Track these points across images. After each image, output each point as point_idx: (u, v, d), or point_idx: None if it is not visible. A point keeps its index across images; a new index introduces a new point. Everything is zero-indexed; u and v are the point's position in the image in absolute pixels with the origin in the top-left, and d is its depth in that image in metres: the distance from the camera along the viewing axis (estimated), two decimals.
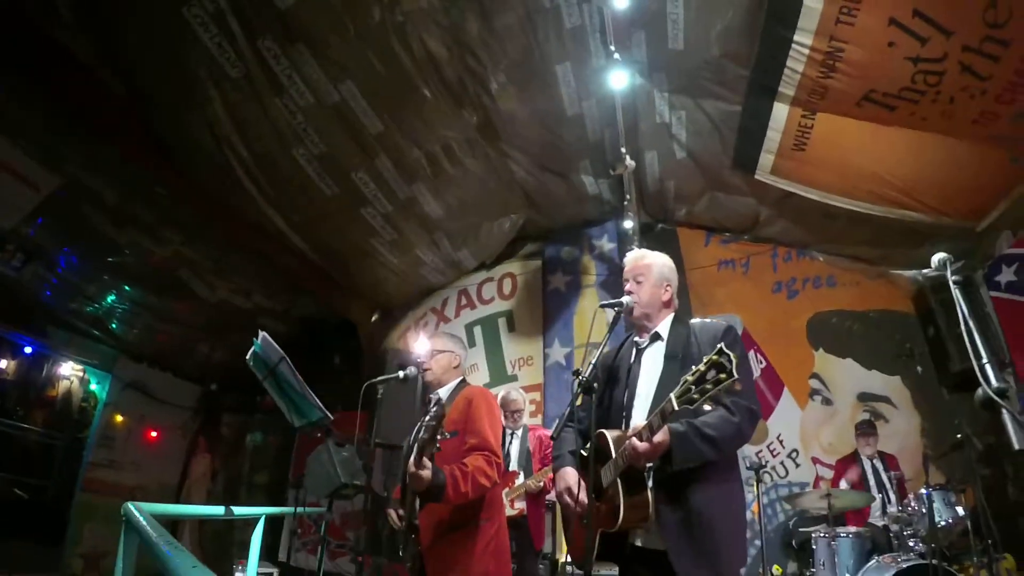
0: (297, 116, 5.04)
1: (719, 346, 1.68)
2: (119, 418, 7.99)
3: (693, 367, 1.74)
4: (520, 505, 4.41)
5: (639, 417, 2.10)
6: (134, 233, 6.14)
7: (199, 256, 6.68)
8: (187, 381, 8.82)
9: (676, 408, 1.74)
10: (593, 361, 2.08)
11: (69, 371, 8.45)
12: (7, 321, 6.98)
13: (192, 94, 4.74)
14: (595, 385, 2.02)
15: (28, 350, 7.53)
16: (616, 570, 2.18)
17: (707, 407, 1.77)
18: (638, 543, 2.04)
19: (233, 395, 8.92)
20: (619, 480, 1.95)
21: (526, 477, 4.50)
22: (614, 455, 1.98)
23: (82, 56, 4.54)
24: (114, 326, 7.57)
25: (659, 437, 1.85)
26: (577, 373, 2.04)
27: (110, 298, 7.22)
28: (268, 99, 4.87)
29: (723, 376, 1.65)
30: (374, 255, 6.78)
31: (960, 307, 1.89)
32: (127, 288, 7.07)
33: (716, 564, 1.91)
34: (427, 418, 2.38)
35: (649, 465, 1.97)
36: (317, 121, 5.14)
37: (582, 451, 2.26)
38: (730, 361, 1.63)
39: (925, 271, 5.94)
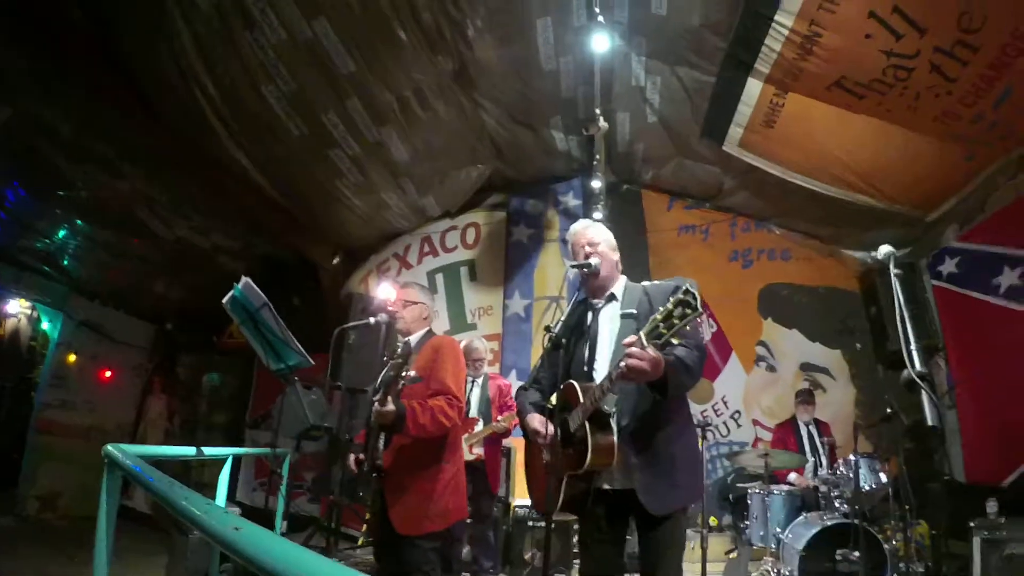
0: (268, 52, 4.87)
1: (684, 286, 1.80)
2: (72, 357, 7.81)
3: (660, 308, 1.86)
4: (479, 451, 4.59)
5: (601, 370, 2.25)
6: (90, 167, 5.89)
7: (157, 192, 6.47)
8: (142, 320, 8.64)
9: (645, 345, 1.86)
10: (563, 318, 2.18)
11: (17, 309, 8.18)
12: None
13: (159, 25, 4.52)
14: (563, 341, 2.13)
15: None
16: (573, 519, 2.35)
17: (672, 342, 1.88)
18: (603, 486, 2.19)
19: (189, 335, 8.80)
20: (587, 424, 2.08)
21: (485, 424, 4.67)
22: (583, 401, 2.11)
23: None
24: (66, 262, 7.33)
25: (653, 354, 1.91)
26: (548, 328, 2.14)
27: (61, 233, 6.96)
28: (239, 33, 4.68)
29: (689, 311, 1.78)
30: (339, 197, 6.68)
31: (897, 295, 2.05)
32: (80, 223, 6.82)
33: (681, 494, 2.11)
34: (395, 357, 2.51)
35: (613, 409, 2.12)
36: (288, 58, 4.98)
37: (547, 405, 2.39)
38: (695, 298, 1.76)
39: (873, 254, 6.22)
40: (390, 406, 2.56)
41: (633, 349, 1.90)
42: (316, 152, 6.01)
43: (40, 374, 7.91)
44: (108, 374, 8.29)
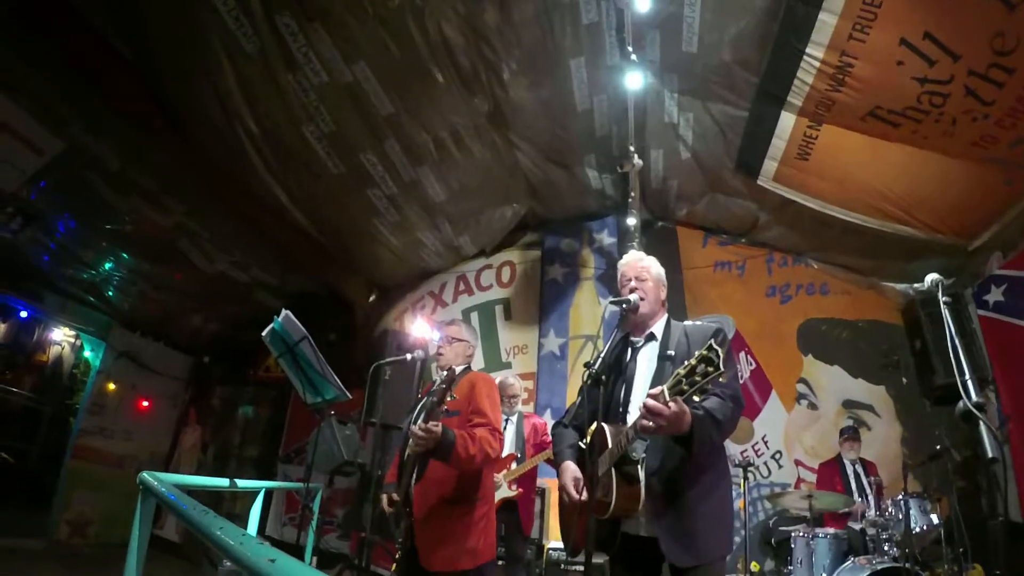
0: (309, 94, 5.05)
1: (709, 342, 1.77)
2: (111, 386, 8.00)
3: (686, 361, 1.82)
4: (517, 488, 4.51)
5: (635, 413, 2.19)
6: (135, 200, 6.13)
7: (199, 226, 6.68)
8: (180, 352, 8.83)
9: (667, 400, 1.83)
10: (602, 354, 2.16)
11: (61, 337, 8.43)
12: (2, 284, 6.95)
13: (204, 65, 4.72)
14: (603, 378, 2.11)
15: (23, 314, 7.51)
16: (605, 559, 2.28)
17: (695, 398, 1.85)
18: (630, 531, 2.14)
19: (225, 367, 8.94)
20: (613, 469, 2.04)
21: (519, 463, 4.60)
22: (610, 445, 2.07)
23: (92, 17, 4.53)
24: (110, 293, 7.56)
25: (675, 409, 1.88)
26: (588, 365, 2.12)
27: (107, 265, 7.21)
28: (281, 75, 4.87)
29: (711, 370, 1.74)
30: (375, 235, 6.80)
31: (948, 326, 1.98)
32: (124, 256, 7.06)
33: (700, 547, 2.02)
34: (438, 383, 2.50)
35: (642, 456, 2.07)
36: (329, 100, 5.15)
37: (581, 443, 2.35)
38: (718, 356, 1.72)
39: (916, 285, 6.06)
40: (437, 427, 2.49)
41: (652, 403, 1.87)
42: (354, 191, 6.15)
43: (80, 401, 8.09)
44: (145, 404, 8.45)
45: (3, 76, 4.76)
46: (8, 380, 10.32)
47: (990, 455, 1.83)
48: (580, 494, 2.17)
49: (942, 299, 2.04)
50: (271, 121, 5.24)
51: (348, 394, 3.42)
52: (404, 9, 4.57)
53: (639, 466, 2.06)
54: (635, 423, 1.97)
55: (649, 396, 1.89)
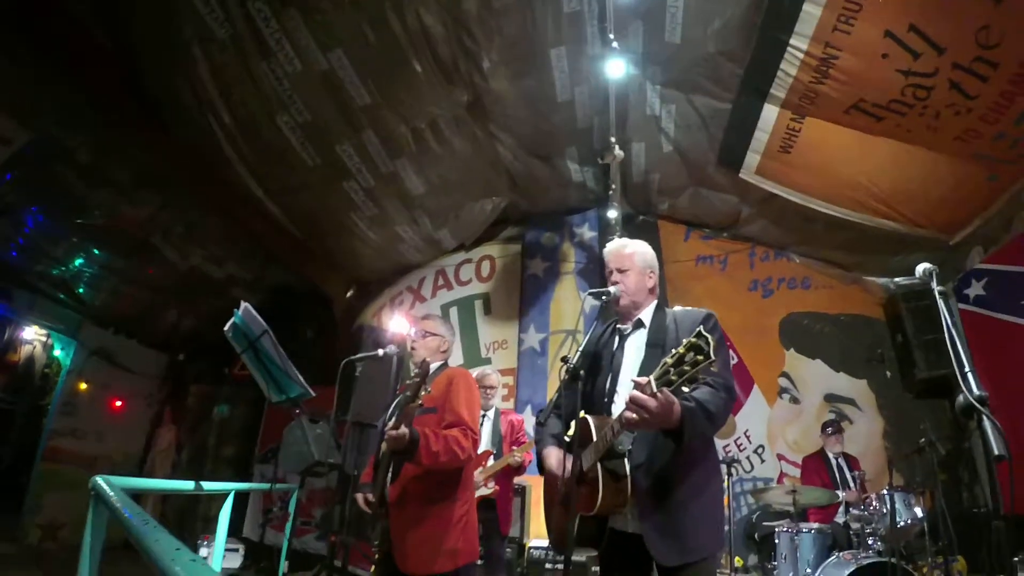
0: (284, 82, 4.92)
1: (698, 329, 1.67)
2: (83, 385, 7.76)
3: (674, 350, 1.73)
4: (491, 486, 4.41)
5: (621, 404, 2.10)
6: (107, 194, 5.93)
7: (173, 221, 6.49)
8: (154, 349, 8.61)
9: (655, 390, 1.73)
10: (581, 348, 2.06)
11: (33, 335, 8.19)
12: None
13: (177, 54, 4.58)
14: (582, 372, 2.01)
15: None
16: (594, 554, 2.19)
17: (684, 388, 1.75)
18: (617, 527, 2.05)
19: (200, 365, 8.74)
20: (599, 464, 1.95)
21: (496, 459, 4.51)
22: (595, 439, 1.98)
23: (66, 3, 4.36)
24: (81, 290, 7.33)
25: (662, 400, 1.77)
26: (565, 360, 2.03)
27: (78, 261, 6.98)
28: (255, 63, 4.74)
29: (700, 358, 1.64)
30: (353, 229, 6.69)
31: (944, 317, 1.92)
32: (96, 251, 6.84)
33: (689, 544, 1.93)
34: (412, 377, 2.41)
35: (628, 448, 1.98)
36: (304, 89, 5.02)
37: (565, 436, 2.26)
38: (707, 343, 1.63)
39: (897, 279, 6.07)
40: (404, 430, 2.41)
41: (637, 395, 1.76)
42: (331, 183, 6.03)
43: (51, 401, 7.86)
44: (118, 403, 8.22)
45: None
46: None
47: (996, 452, 1.75)
48: (562, 476, 2.09)
49: (936, 289, 1.98)
50: (245, 111, 5.11)
51: (312, 391, 3.28)
52: None
53: (625, 460, 1.96)
54: (620, 416, 1.87)
55: (635, 386, 1.78)
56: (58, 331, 7.68)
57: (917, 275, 2.03)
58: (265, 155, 5.56)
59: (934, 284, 2.00)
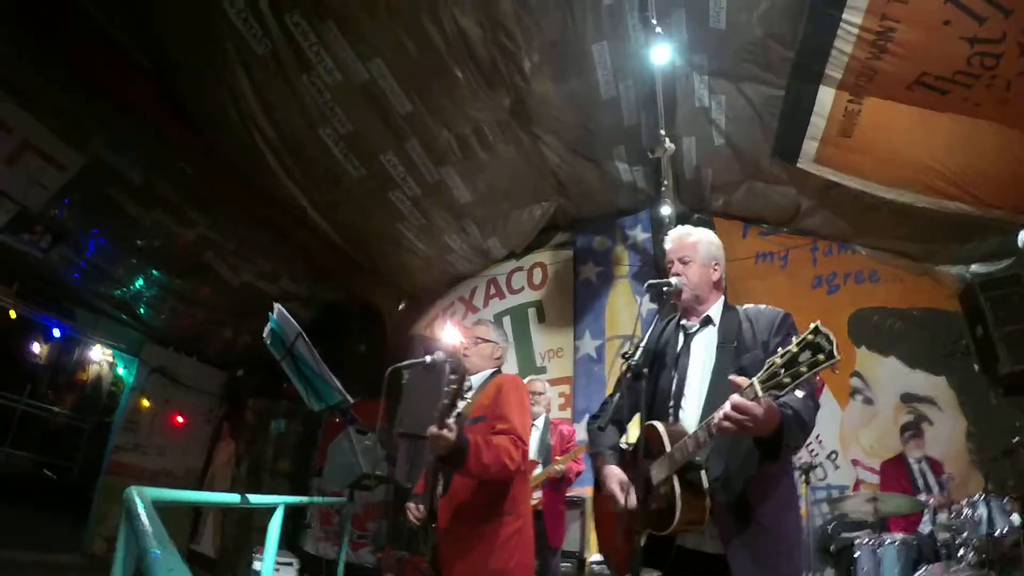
0: (324, 94, 4.93)
1: (814, 325, 1.48)
2: (145, 402, 8.02)
3: (780, 349, 1.54)
4: (537, 495, 4.23)
5: (691, 408, 1.93)
6: (159, 214, 6.09)
7: (223, 238, 6.62)
8: (212, 366, 8.82)
9: (759, 395, 1.54)
10: (643, 343, 1.89)
11: (99, 355, 8.51)
12: (36, 304, 7.01)
13: (218, 71, 4.65)
14: (645, 371, 1.84)
15: (56, 333, 7.58)
16: (658, 574, 2.01)
17: (798, 393, 1.54)
18: (688, 546, 1.87)
19: (258, 380, 8.89)
20: (675, 477, 1.77)
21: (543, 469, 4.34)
22: (668, 449, 1.80)
23: (107, 28, 4.47)
24: (141, 310, 7.58)
25: (765, 407, 1.58)
26: (627, 356, 1.86)
27: (138, 282, 7.22)
28: (295, 77, 4.76)
29: (821, 357, 1.44)
30: (401, 240, 6.68)
31: None
32: (154, 272, 7.06)
33: (779, 571, 1.74)
34: (448, 382, 2.23)
35: (703, 460, 1.80)
36: (345, 100, 5.02)
37: (623, 443, 2.10)
38: (830, 342, 1.43)
39: (974, 267, 5.67)
40: (450, 432, 2.23)
41: (741, 401, 1.56)
42: (376, 194, 6.03)
43: (115, 418, 8.14)
44: (179, 419, 8.45)
45: (22, 92, 4.74)
46: (51, 399, 10.54)
47: None
48: (625, 504, 1.89)
49: None
50: (287, 125, 5.15)
51: (350, 398, 3.18)
52: (417, 1, 4.41)
53: (703, 472, 1.78)
54: (708, 423, 1.68)
55: (734, 385, 1.60)
56: (120, 350, 7.95)
57: (1022, 243, 1.80)
58: (310, 168, 5.59)
59: None
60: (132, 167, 5.47)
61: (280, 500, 3.22)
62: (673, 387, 2.00)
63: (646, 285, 2.10)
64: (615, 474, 2.01)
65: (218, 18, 4.32)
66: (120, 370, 8.24)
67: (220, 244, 6.62)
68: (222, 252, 6.73)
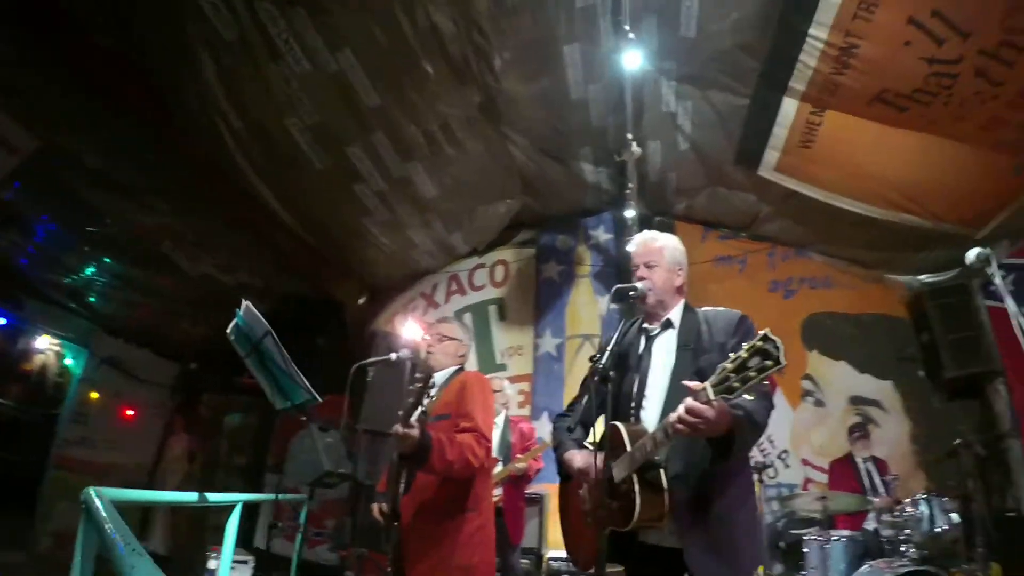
0: (292, 83, 4.82)
1: (763, 332, 1.55)
2: (94, 395, 7.72)
3: (731, 354, 1.60)
4: (497, 493, 4.27)
5: (651, 408, 1.99)
6: (116, 201, 5.86)
7: (183, 228, 6.41)
8: (165, 358, 8.55)
9: (711, 398, 1.60)
10: (609, 348, 1.93)
11: (45, 345, 8.15)
12: None
13: (184, 55, 4.50)
14: (611, 374, 1.88)
15: (2, 321, 7.24)
16: (619, 569, 2.06)
17: (748, 396, 1.61)
18: (649, 541, 1.92)
19: (212, 374, 8.67)
20: (634, 476, 1.82)
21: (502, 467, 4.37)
22: (629, 448, 1.85)
23: (68, 5, 4.29)
24: (92, 299, 7.30)
25: (717, 409, 1.65)
26: (594, 359, 1.89)
27: (89, 270, 6.95)
28: (263, 64, 4.65)
29: (769, 363, 1.51)
30: (365, 235, 6.60)
31: (1008, 303, 1.78)
32: (107, 260, 6.79)
33: (735, 562, 1.81)
34: (415, 383, 2.27)
35: (662, 459, 1.86)
36: (313, 90, 4.92)
37: (586, 443, 2.13)
38: (776, 348, 1.50)
39: (922, 276, 5.91)
40: (414, 430, 2.27)
41: (694, 404, 1.63)
42: (341, 187, 5.93)
43: (62, 410, 7.83)
44: (130, 412, 8.17)
45: None
46: None
47: None
48: (594, 475, 1.94)
49: (997, 273, 1.83)
50: (253, 113, 5.02)
51: (318, 397, 3.15)
52: None
53: (662, 471, 1.84)
54: (664, 424, 1.74)
55: (689, 390, 1.66)
56: (69, 340, 7.63)
57: (969, 261, 1.89)
58: (273, 158, 5.46)
59: (992, 269, 1.85)
60: (89, 152, 5.24)
61: (239, 498, 3.16)
62: (635, 388, 2.06)
63: (613, 290, 2.14)
64: (579, 456, 2.07)
65: (185, 1, 4.19)
66: (67, 361, 7.92)
67: (179, 233, 6.42)
68: (181, 242, 6.53)
